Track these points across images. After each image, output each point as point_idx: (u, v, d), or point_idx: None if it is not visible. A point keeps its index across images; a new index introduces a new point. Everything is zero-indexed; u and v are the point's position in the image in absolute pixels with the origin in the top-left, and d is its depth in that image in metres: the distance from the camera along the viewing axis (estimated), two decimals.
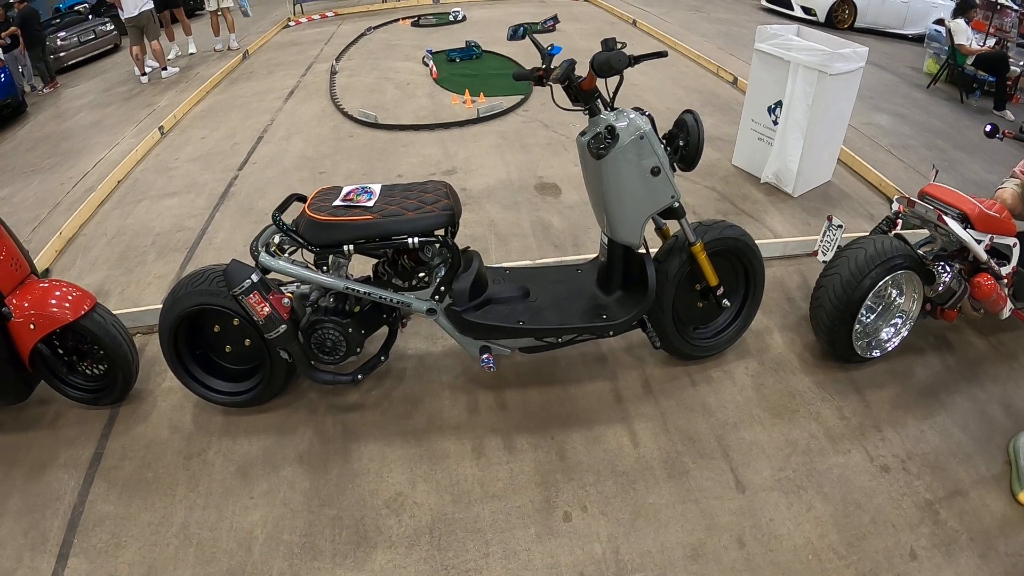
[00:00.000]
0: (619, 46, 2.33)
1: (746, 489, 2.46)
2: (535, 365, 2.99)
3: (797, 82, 3.98)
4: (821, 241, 2.98)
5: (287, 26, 10.59)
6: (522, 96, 6.31)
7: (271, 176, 5.02)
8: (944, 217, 2.74)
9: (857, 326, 2.79)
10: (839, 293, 2.70)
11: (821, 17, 9.98)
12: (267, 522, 2.37)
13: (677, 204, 2.50)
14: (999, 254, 3.00)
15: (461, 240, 3.66)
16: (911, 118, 6.47)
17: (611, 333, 2.64)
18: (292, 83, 7.36)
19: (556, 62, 2.44)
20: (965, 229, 2.77)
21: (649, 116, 2.42)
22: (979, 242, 2.80)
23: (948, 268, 2.81)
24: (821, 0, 9.98)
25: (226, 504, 2.44)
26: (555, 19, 8.73)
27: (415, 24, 9.87)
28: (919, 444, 2.66)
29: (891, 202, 4.43)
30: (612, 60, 2.27)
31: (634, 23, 8.85)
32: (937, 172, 3.86)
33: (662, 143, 2.43)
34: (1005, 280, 2.98)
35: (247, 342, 2.65)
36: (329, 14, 11.02)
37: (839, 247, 2.87)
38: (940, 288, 2.81)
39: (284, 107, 6.59)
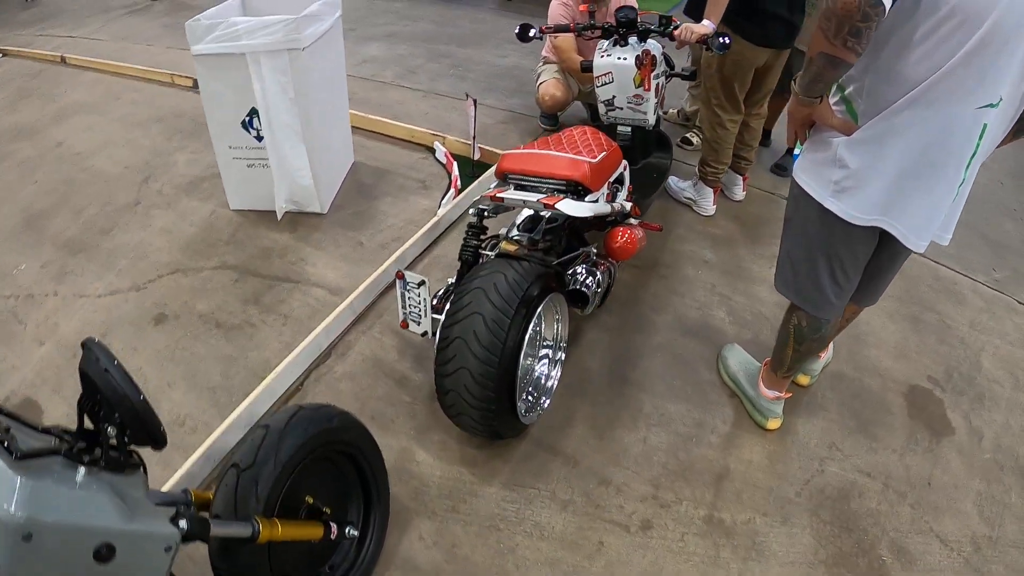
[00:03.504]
0: None
1: None
2: None
3: (265, 76, 2.81)
4: (404, 309, 2.05)
5: None
6: None
7: None
8: (557, 205, 1.93)
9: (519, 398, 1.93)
10: (480, 383, 1.77)
11: None
12: None
13: (184, 528, 1.20)
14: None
15: None
16: (402, 33, 5.93)
17: None
18: None
19: None
20: (584, 199, 2.05)
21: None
22: (598, 200, 2.14)
23: (590, 272, 2.11)
24: None
25: None
26: None
27: None
28: (649, 465, 2.07)
29: (433, 152, 3.76)
30: None
31: (63, 60, 6.69)
32: (475, 101, 3.23)
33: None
34: (632, 212, 2.47)
35: None
36: None
37: (436, 303, 2.00)
38: (595, 302, 2.13)
39: None
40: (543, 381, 2.12)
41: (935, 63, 1.35)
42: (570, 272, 2.06)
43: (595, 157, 2.11)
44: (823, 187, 1.61)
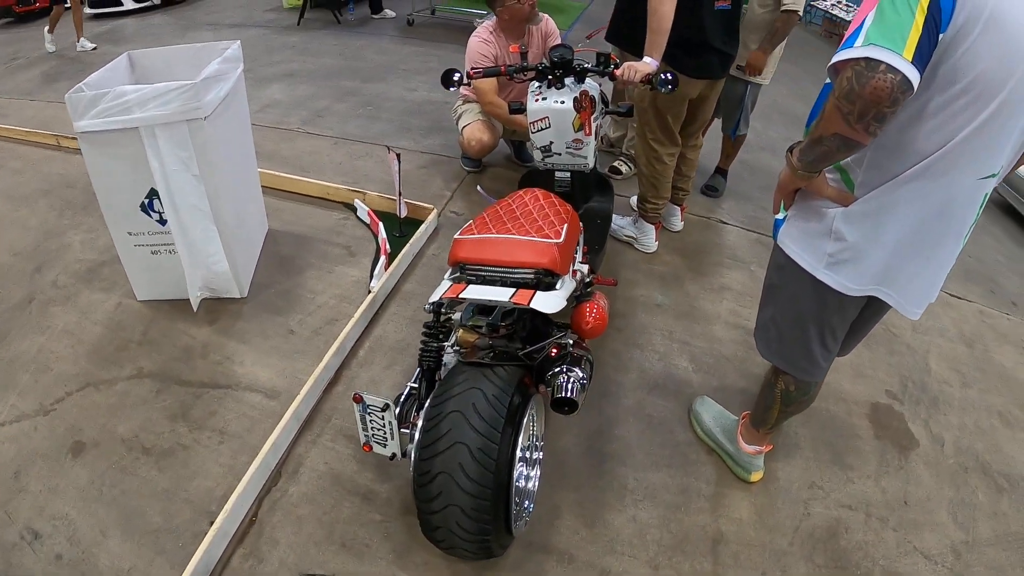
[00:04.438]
0: None
1: None
2: None
3: (163, 152, 2.44)
4: (365, 432, 1.83)
5: None
6: None
7: None
8: (532, 304, 1.73)
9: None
10: (473, 517, 1.56)
11: None
12: None
13: None
14: None
15: None
16: (303, 70, 5.65)
17: None
18: None
19: None
20: (555, 284, 1.85)
21: None
22: (565, 282, 1.92)
23: (570, 371, 1.84)
24: None
25: None
26: None
27: None
28: (644, 546, 1.97)
29: (354, 210, 3.51)
30: None
31: None
32: (399, 156, 3.03)
33: None
34: (592, 280, 2.32)
35: None
36: None
37: (399, 412, 1.81)
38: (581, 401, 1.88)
39: None
40: (524, 484, 1.94)
41: (946, 136, 1.29)
42: (549, 374, 1.84)
43: (560, 235, 1.90)
44: (816, 259, 1.53)
